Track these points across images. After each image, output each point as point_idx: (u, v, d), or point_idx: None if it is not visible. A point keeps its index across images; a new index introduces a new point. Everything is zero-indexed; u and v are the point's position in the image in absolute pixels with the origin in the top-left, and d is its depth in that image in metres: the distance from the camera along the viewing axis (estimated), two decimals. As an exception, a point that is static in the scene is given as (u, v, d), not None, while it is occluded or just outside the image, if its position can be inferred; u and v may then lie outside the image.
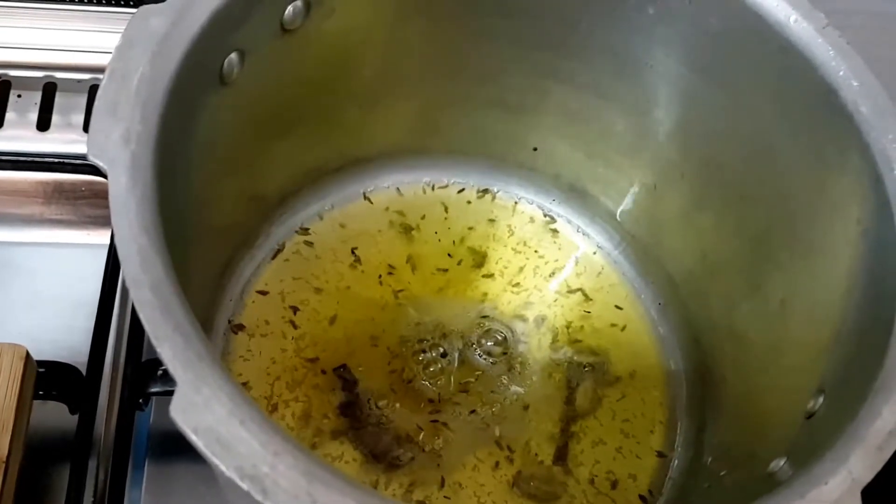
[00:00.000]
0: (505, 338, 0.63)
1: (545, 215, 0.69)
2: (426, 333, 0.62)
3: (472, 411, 0.60)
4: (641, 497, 0.59)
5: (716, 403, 0.60)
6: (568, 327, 0.65)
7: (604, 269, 0.68)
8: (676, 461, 0.61)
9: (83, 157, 0.64)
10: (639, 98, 0.60)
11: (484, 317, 0.64)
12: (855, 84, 0.48)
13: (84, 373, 0.57)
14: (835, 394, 0.45)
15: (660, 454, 0.61)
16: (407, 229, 0.66)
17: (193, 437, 0.32)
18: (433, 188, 0.69)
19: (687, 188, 0.61)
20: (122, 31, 0.41)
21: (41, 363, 0.55)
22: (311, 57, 0.54)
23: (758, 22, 0.50)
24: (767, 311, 0.55)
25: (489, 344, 0.62)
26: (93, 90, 0.71)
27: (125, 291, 0.62)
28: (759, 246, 0.57)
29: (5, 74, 0.71)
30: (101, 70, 0.70)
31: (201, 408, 0.33)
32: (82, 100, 0.71)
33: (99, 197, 0.67)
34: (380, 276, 0.64)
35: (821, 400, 0.46)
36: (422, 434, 0.58)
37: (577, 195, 0.69)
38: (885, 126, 0.47)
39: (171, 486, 0.58)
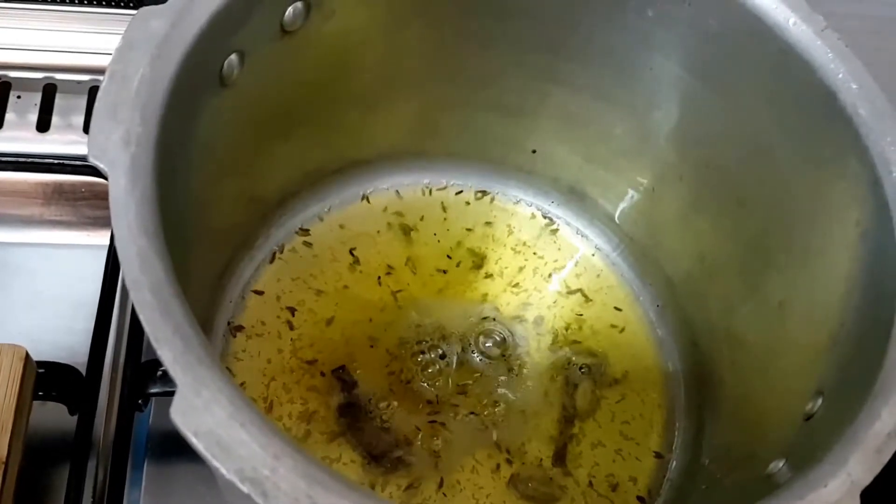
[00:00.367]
0: (504, 339, 0.63)
1: (544, 217, 0.69)
2: (425, 335, 0.62)
3: (471, 413, 0.60)
4: (640, 498, 0.59)
5: (714, 405, 0.60)
6: (567, 329, 0.65)
7: (602, 270, 0.68)
8: (674, 463, 0.61)
9: (83, 158, 0.64)
10: (637, 100, 0.60)
11: (483, 318, 0.64)
12: (854, 87, 0.48)
13: (83, 373, 0.57)
14: (833, 396, 0.45)
15: (658, 455, 0.61)
16: (406, 231, 0.66)
17: (194, 440, 0.32)
18: (432, 190, 0.69)
19: (685, 190, 0.62)
20: (121, 32, 0.41)
21: (41, 364, 0.54)
22: (311, 59, 0.54)
23: (757, 24, 0.50)
24: (766, 313, 0.55)
25: (488, 345, 0.62)
26: (92, 91, 0.71)
27: (125, 292, 0.62)
28: (758, 248, 0.57)
29: (5, 75, 0.71)
30: (100, 71, 0.70)
31: (201, 410, 0.33)
32: (82, 101, 0.71)
33: (98, 198, 0.67)
34: (379, 278, 0.64)
35: (819, 402, 0.46)
36: (420, 435, 0.59)
37: (575, 197, 0.69)
38: (883, 129, 0.47)
39: (171, 486, 0.58)
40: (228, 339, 0.59)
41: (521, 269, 0.67)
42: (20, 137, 0.69)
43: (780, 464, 0.44)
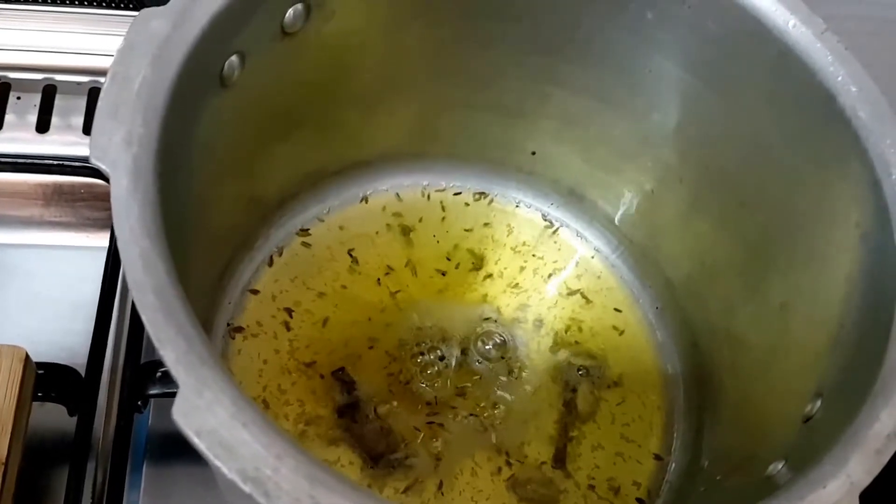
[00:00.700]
0: (504, 341, 0.63)
1: (544, 219, 0.69)
2: (425, 336, 0.62)
3: (471, 414, 0.60)
4: (639, 500, 0.59)
5: (713, 407, 0.60)
6: (566, 330, 0.65)
7: (602, 272, 0.68)
8: (674, 464, 0.61)
9: (83, 159, 0.65)
10: (637, 102, 0.60)
11: (483, 319, 0.64)
12: (853, 89, 0.48)
13: (83, 374, 0.57)
14: (833, 397, 0.45)
15: (657, 457, 0.61)
16: (405, 232, 0.66)
17: (196, 440, 0.32)
18: (432, 191, 0.69)
19: (685, 193, 0.62)
20: (121, 33, 0.41)
21: (40, 365, 0.54)
22: (311, 60, 0.54)
23: (756, 26, 0.50)
24: (766, 314, 0.55)
25: (488, 347, 0.62)
26: (92, 93, 0.71)
27: (124, 293, 0.62)
28: (758, 250, 0.57)
29: (5, 76, 0.71)
30: (100, 72, 0.72)
31: (204, 411, 0.33)
32: (82, 102, 0.71)
33: (98, 199, 0.67)
34: (378, 279, 0.64)
35: (819, 404, 0.46)
36: (420, 437, 0.59)
37: (575, 199, 0.69)
38: (883, 131, 0.47)
39: (170, 488, 0.58)
40: (228, 340, 0.59)
41: (520, 270, 0.67)
42: (20, 138, 0.69)
43: (780, 465, 0.44)
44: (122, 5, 0.75)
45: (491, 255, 0.67)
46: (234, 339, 0.60)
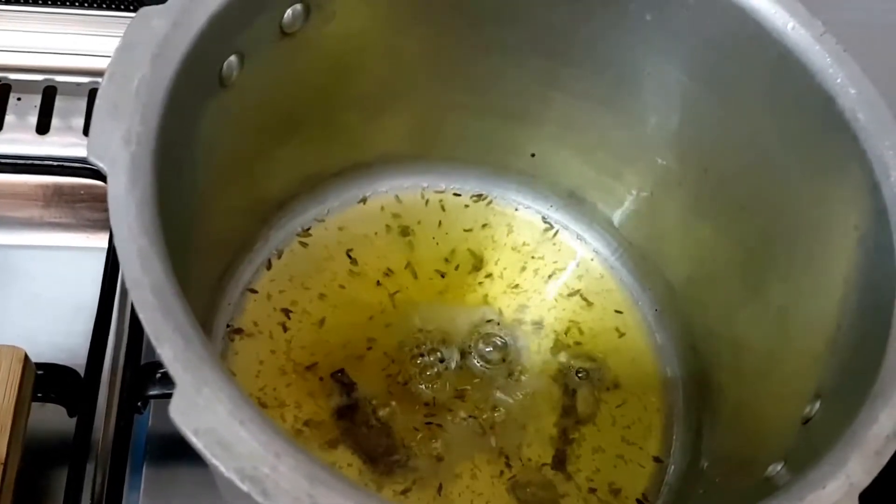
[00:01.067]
0: (505, 343, 0.63)
1: (543, 221, 0.69)
2: (424, 338, 0.62)
3: (470, 416, 0.60)
4: (638, 502, 0.59)
5: (713, 409, 0.60)
6: (566, 333, 0.65)
7: (602, 275, 0.68)
8: (673, 466, 0.61)
9: (82, 160, 0.64)
10: (637, 105, 0.60)
11: (482, 321, 0.64)
12: (852, 91, 0.48)
13: (83, 375, 0.57)
14: (832, 399, 0.45)
15: (657, 459, 0.61)
16: (405, 234, 0.66)
17: (193, 439, 0.32)
18: (431, 193, 0.69)
19: (685, 196, 0.62)
20: (121, 34, 0.41)
21: (40, 366, 0.54)
22: (311, 61, 0.54)
23: (756, 29, 0.50)
24: (765, 317, 0.55)
25: (488, 349, 0.62)
26: (92, 94, 0.71)
27: (124, 294, 0.62)
28: (757, 253, 0.57)
29: (5, 78, 0.72)
30: (100, 74, 0.70)
31: (202, 409, 0.33)
32: (82, 103, 0.71)
33: (98, 200, 0.67)
34: (378, 281, 0.64)
35: (818, 405, 0.46)
36: (419, 439, 0.58)
37: (575, 202, 0.69)
38: (882, 133, 0.47)
39: (169, 489, 0.58)
40: (227, 342, 0.59)
41: (520, 271, 0.67)
42: (20, 139, 0.69)
43: (779, 467, 0.44)
44: (121, 6, 0.75)
45: (491, 256, 0.67)
46: (233, 340, 0.60)
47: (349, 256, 0.64)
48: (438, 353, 0.61)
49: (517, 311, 0.65)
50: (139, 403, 0.57)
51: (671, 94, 0.58)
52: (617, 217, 0.68)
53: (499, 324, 0.64)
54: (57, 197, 0.67)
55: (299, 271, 0.63)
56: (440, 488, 0.57)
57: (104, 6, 0.75)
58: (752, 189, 0.56)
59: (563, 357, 0.64)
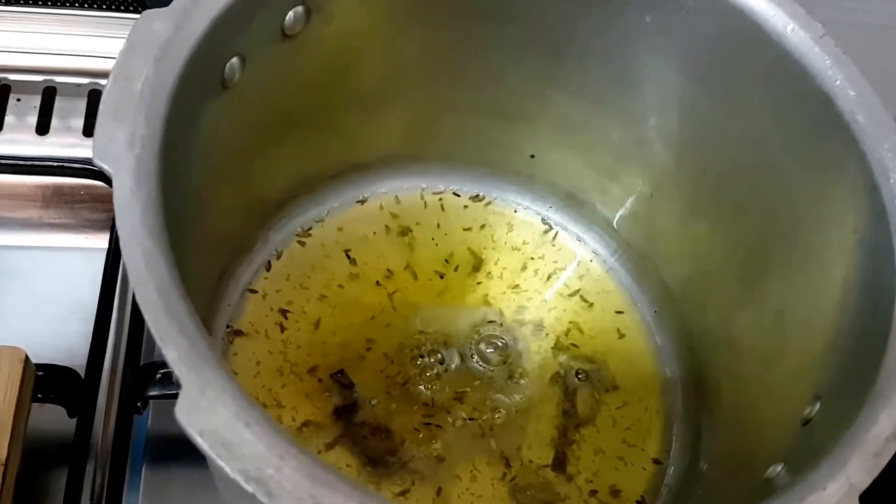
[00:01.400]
0: (505, 344, 0.63)
1: (542, 222, 0.69)
2: (424, 339, 0.62)
3: (470, 418, 0.60)
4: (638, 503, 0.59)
5: (712, 410, 0.60)
6: (566, 334, 0.65)
7: (601, 276, 0.68)
8: (672, 468, 0.61)
9: (82, 160, 0.65)
10: (635, 106, 0.60)
11: (482, 322, 0.64)
12: (852, 93, 0.48)
13: (83, 376, 0.57)
14: (831, 400, 0.45)
15: (656, 461, 0.61)
16: (404, 235, 0.66)
17: (199, 440, 0.32)
18: (430, 194, 0.69)
19: (683, 196, 0.62)
20: (121, 35, 0.42)
21: (40, 366, 0.54)
22: (311, 63, 0.54)
23: (755, 31, 0.50)
24: (764, 319, 0.55)
25: (488, 350, 0.62)
26: (92, 94, 0.71)
27: (124, 295, 0.62)
28: (756, 254, 0.57)
29: (5, 78, 0.71)
30: (100, 74, 0.72)
31: (206, 410, 0.33)
32: (82, 104, 0.71)
33: (98, 201, 0.67)
34: (377, 282, 0.64)
35: (817, 406, 0.46)
36: (418, 440, 0.58)
37: (573, 203, 0.69)
38: (881, 135, 0.47)
39: (169, 490, 0.58)
40: (227, 342, 0.59)
41: (519, 274, 0.67)
42: (20, 140, 0.69)
43: (779, 468, 0.44)
44: (121, 7, 0.75)
45: (490, 256, 0.67)
46: (232, 342, 0.60)
47: (348, 257, 0.65)
48: (438, 354, 0.61)
49: (517, 313, 0.65)
50: (139, 404, 0.57)
51: (670, 95, 0.58)
52: (615, 218, 0.68)
53: (501, 325, 0.64)
54: (56, 197, 0.67)
55: (298, 272, 0.63)
56: (439, 490, 0.57)
57: (104, 7, 0.74)
58: (750, 190, 0.56)
59: (563, 358, 0.64)
